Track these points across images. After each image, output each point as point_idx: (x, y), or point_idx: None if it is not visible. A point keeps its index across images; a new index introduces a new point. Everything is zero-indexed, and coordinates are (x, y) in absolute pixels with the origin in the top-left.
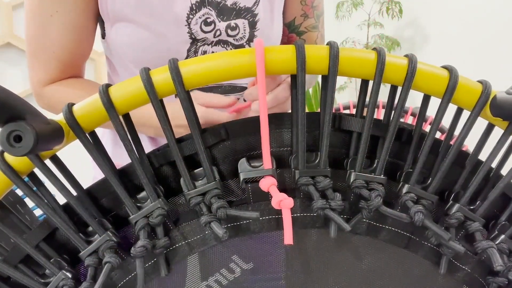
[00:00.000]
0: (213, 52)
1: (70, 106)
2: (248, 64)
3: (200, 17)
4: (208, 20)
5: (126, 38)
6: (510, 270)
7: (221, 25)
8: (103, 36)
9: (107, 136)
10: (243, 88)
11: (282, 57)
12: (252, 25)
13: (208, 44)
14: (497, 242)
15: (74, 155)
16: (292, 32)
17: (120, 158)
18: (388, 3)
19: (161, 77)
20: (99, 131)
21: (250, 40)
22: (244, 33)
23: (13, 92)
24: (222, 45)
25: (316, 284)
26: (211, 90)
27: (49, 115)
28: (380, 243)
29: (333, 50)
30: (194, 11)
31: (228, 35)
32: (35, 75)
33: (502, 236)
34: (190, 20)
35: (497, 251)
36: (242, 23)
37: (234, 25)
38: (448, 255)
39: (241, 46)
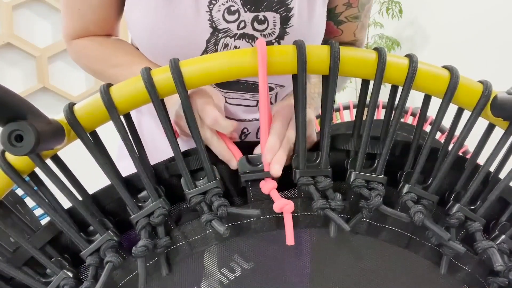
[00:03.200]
0: (235, 46)
1: (71, 105)
2: (250, 65)
3: (223, 4)
4: (232, 9)
5: (143, 21)
6: (510, 270)
7: (247, 16)
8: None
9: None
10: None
11: (283, 57)
12: (285, 21)
13: (231, 37)
14: (497, 242)
15: (76, 155)
16: (329, 20)
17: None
18: (388, 3)
19: (162, 77)
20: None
21: (280, 37)
22: (274, 28)
23: (15, 92)
24: (247, 40)
25: (315, 283)
26: (231, 87)
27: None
28: (380, 243)
29: (334, 50)
30: None
31: (254, 29)
32: (64, 29)
33: (503, 236)
34: (212, 6)
35: (498, 251)
36: (273, 17)
37: (263, 18)
38: (449, 255)
39: (269, 43)
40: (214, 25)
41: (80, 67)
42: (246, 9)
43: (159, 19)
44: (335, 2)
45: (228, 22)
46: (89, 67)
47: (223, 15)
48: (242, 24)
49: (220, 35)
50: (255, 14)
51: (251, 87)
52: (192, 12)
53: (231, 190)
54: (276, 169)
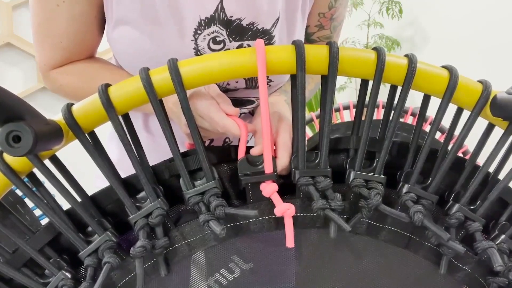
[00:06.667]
0: None
1: (69, 106)
2: (249, 64)
3: (208, 34)
4: (218, 39)
5: (127, 46)
6: (510, 270)
7: (232, 45)
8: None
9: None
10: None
11: (282, 57)
12: None
13: None
14: (497, 242)
15: (74, 155)
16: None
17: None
18: (388, 3)
19: (161, 77)
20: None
21: None
22: None
23: (12, 92)
24: None
25: (315, 284)
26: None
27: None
28: (380, 243)
29: (333, 50)
30: (202, 27)
31: None
32: (41, 60)
33: (502, 236)
34: (197, 36)
35: (497, 251)
36: None
37: (247, 47)
38: (448, 255)
39: None
40: (199, 53)
41: (62, 96)
42: (231, 39)
43: (144, 46)
44: (307, 22)
45: (213, 50)
46: (73, 96)
47: (208, 44)
48: None
49: None
50: (240, 43)
51: (240, 102)
52: (177, 40)
53: (230, 187)
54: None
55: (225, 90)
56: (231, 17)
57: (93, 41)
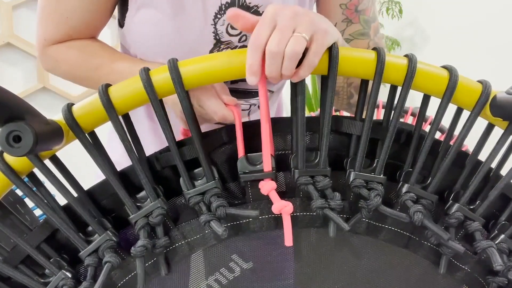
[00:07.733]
0: None
1: (69, 106)
2: None
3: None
4: None
5: (149, 30)
6: (509, 270)
7: None
8: (121, 24)
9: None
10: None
11: None
12: None
13: (232, 48)
14: (496, 242)
15: (74, 154)
16: None
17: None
18: (388, 3)
19: (161, 77)
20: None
21: None
22: None
23: (13, 92)
24: None
25: (315, 283)
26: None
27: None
28: (380, 243)
29: (333, 51)
30: (222, 12)
31: None
32: (42, 34)
33: (502, 236)
34: (217, 20)
35: (497, 251)
36: None
37: None
38: (448, 254)
39: None
40: (218, 37)
41: (58, 75)
42: None
43: (165, 30)
44: (333, 20)
45: (230, 35)
46: (70, 73)
47: (226, 29)
48: (243, 38)
49: (222, 46)
50: None
51: (244, 93)
52: (198, 24)
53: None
54: (251, 80)
55: (235, 80)
56: (250, 3)
57: (99, 23)
